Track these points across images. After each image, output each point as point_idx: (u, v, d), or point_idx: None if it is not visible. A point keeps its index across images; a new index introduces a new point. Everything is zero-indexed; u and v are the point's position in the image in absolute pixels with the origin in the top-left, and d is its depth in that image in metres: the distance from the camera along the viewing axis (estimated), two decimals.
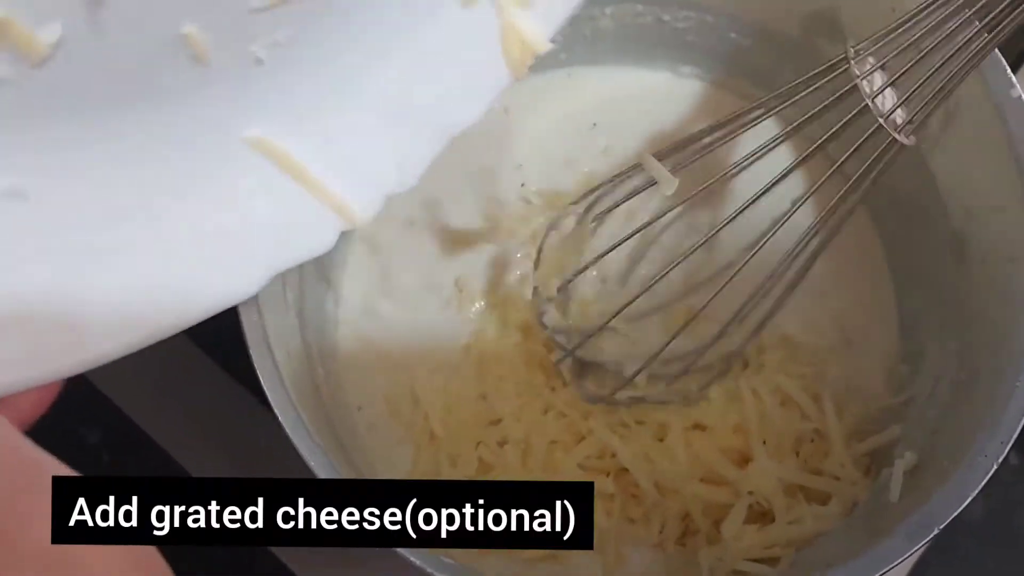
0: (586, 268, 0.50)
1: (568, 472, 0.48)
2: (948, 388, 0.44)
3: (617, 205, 0.49)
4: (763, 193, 0.44)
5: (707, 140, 0.46)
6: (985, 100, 0.42)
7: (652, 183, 0.45)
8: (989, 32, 0.37)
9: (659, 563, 0.47)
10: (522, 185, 0.55)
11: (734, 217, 0.44)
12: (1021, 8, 0.36)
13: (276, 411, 0.37)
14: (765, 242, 0.44)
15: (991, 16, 0.37)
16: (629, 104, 0.57)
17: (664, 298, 0.51)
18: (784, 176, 0.44)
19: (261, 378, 0.37)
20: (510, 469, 0.48)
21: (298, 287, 0.46)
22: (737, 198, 0.47)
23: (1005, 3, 0.36)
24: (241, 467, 0.55)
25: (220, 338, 0.57)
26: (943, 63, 0.38)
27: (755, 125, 0.44)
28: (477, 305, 0.54)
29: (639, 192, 0.47)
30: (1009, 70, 0.41)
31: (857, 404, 0.49)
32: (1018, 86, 0.41)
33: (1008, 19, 0.36)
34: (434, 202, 0.55)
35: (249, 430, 0.56)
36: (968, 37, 0.37)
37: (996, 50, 0.40)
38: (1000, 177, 0.41)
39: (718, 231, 0.45)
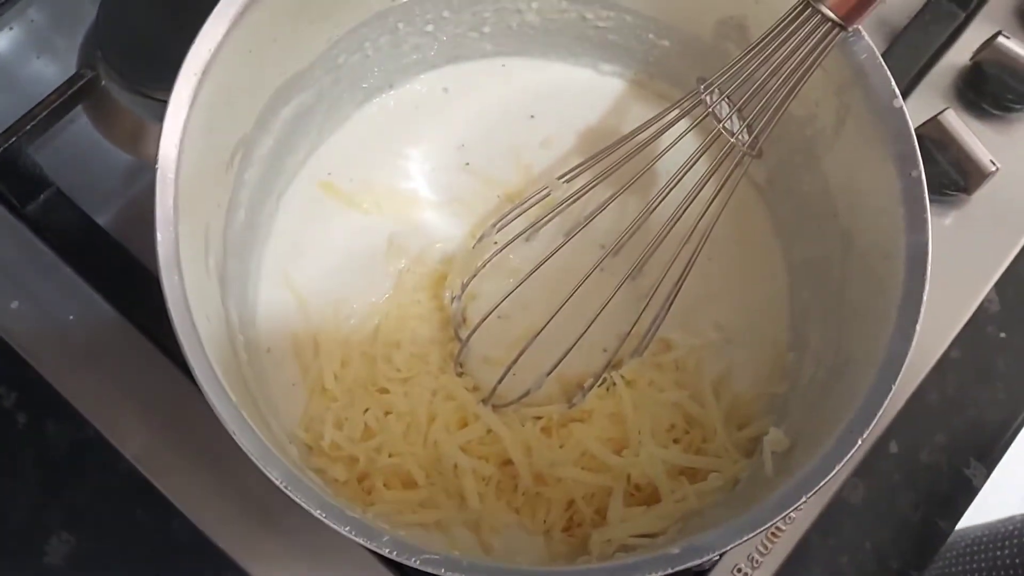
0: (482, 267, 0.53)
1: (449, 453, 0.50)
2: (825, 373, 0.48)
3: (524, 231, 0.53)
4: (650, 211, 0.49)
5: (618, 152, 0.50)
6: (870, 108, 0.45)
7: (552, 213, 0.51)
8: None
9: (544, 549, 0.49)
10: (467, 164, 0.58)
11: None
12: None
13: (191, 366, 0.38)
14: (647, 257, 0.49)
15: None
16: (561, 99, 0.60)
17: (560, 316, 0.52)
18: (662, 198, 0.49)
19: (178, 335, 0.38)
20: (393, 440, 0.50)
21: (221, 250, 0.48)
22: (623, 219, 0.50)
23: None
24: (156, 430, 0.56)
25: (140, 302, 0.59)
26: (773, 92, 0.44)
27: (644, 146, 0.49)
28: (402, 263, 0.56)
29: (542, 222, 0.52)
30: (892, 81, 0.44)
31: (742, 394, 0.53)
32: (899, 97, 0.44)
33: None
34: (377, 163, 0.57)
35: (168, 395, 0.57)
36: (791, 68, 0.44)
37: (882, 62, 0.44)
38: (880, 180, 0.45)
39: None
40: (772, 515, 0.38)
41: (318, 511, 0.36)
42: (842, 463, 0.39)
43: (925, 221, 0.42)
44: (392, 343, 0.53)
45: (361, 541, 0.36)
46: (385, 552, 0.36)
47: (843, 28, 0.43)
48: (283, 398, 0.52)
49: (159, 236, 0.38)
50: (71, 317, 0.59)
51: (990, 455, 0.62)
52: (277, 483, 0.36)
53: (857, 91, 0.45)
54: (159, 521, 0.56)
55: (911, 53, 0.64)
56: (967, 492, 0.61)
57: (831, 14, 0.42)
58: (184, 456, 0.56)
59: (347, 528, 0.36)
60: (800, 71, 0.44)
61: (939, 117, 0.60)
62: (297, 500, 0.36)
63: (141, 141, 0.64)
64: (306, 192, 0.57)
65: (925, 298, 0.41)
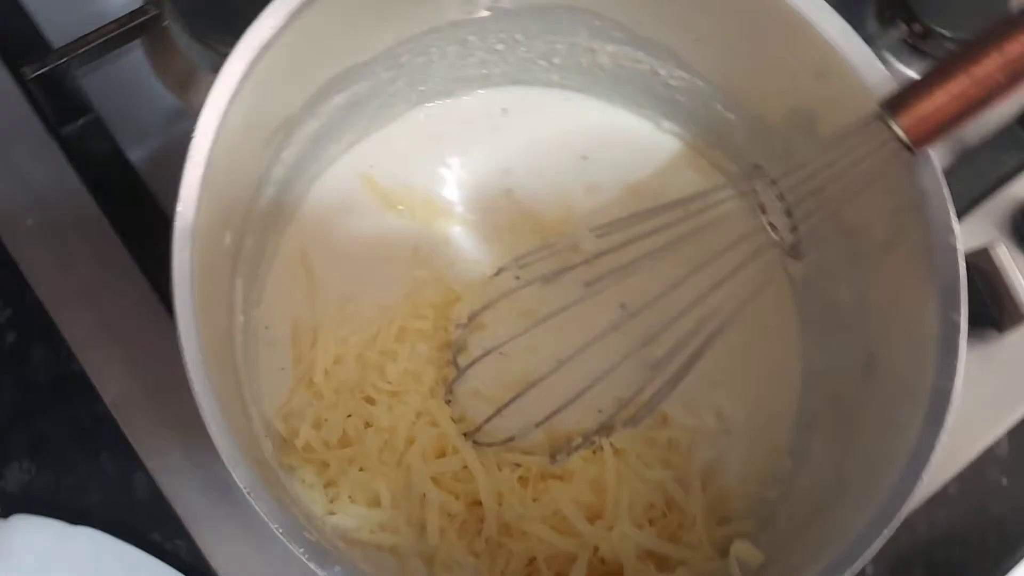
0: (495, 301, 0.51)
1: (420, 481, 0.48)
2: (820, 492, 0.46)
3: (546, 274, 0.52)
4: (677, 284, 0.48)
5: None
6: (924, 237, 0.43)
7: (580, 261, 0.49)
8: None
9: None
10: (508, 190, 0.57)
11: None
12: None
13: (182, 349, 0.37)
14: (664, 328, 0.47)
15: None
16: (615, 146, 0.58)
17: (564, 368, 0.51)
18: (693, 272, 0.48)
19: (176, 312, 0.37)
20: (367, 454, 0.49)
21: (241, 226, 0.46)
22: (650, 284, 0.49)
23: None
24: (140, 382, 0.56)
25: (152, 248, 0.57)
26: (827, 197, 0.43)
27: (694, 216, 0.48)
28: (420, 274, 0.54)
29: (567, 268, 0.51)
30: (953, 217, 0.43)
31: (730, 488, 0.51)
32: (958, 235, 0.43)
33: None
34: (420, 168, 0.56)
35: (159, 351, 0.56)
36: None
37: (946, 193, 0.43)
38: (919, 314, 0.43)
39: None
40: None
41: (276, 526, 0.35)
42: None
43: (955, 370, 0.41)
44: (389, 353, 0.52)
45: (312, 565, 0.35)
46: None
47: (911, 151, 0.41)
48: (269, 382, 0.51)
49: (179, 208, 0.37)
50: (82, 247, 0.59)
51: None
52: (242, 488, 0.35)
53: (914, 216, 0.43)
54: (122, 471, 0.55)
55: (975, 177, 0.63)
56: None
57: (902, 135, 0.41)
58: (161, 415, 0.56)
59: (301, 550, 0.35)
60: (860, 182, 0.43)
61: (990, 249, 0.58)
62: (258, 510, 0.35)
63: (190, 87, 0.63)
64: (343, 181, 0.56)
65: (938, 448, 0.40)
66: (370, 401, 0.51)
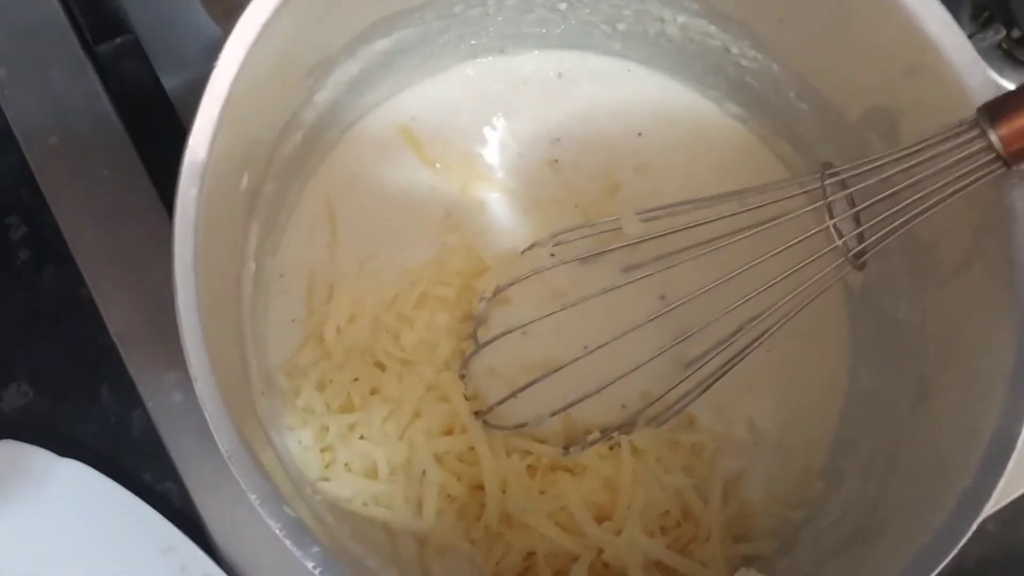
0: (524, 277, 0.48)
1: (422, 458, 0.45)
2: (851, 526, 0.43)
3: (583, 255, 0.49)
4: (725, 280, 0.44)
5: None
6: (1006, 262, 0.39)
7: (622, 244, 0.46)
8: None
9: None
10: (555, 161, 0.53)
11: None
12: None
13: (175, 291, 0.34)
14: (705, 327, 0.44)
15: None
16: (674, 125, 0.54)
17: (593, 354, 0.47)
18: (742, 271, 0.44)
19: (174, 255, 0.34)
20: (370, 422, 0.46)
21: (263, 170, 0.43)
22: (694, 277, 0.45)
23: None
24: (148, 318, 0.53)
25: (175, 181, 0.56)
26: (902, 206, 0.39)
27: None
28: (451, 238, 0.51)
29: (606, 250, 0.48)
30: None
31: (752, 504, 0.48)
32: None
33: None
34: (464, 126, 0.53)
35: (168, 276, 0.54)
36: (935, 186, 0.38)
37: None
38: (989, 344, 0.39)
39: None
40: None
41: (254, 497, 0.32)
42: None
43: None
44: (406, 319, 0.49)
45: (289, 543, 0.32)
46: (310, 565, 0.32)
47: (1007, 166, 0.37)
48: (277, 334, 0.49)
49: (191, 142, 0.34)
50: (105, 172, 0.56)
51: None
52: (222, 450, 0.33)
53: (998, 237, 0.39)
54: (120, 407, 0.54)
55: None
56: None
57: (999, 145, 0.36)
58: (166, 354, 0.54)
59: (279, 525, 0.32)
60: (941, 194, 0.39)
61: None
62: (237, 476, 0.32)
63: (234, 17, 0.60)
64: (380, 130, 0.53)
65: (995, 496, 0.36)
66: (380, 367, 0.48)
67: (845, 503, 0.45)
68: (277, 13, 0.37)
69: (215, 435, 0.33)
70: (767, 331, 0.44)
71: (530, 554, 0.46)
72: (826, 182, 0.41)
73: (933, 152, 0.38)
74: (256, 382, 0.43)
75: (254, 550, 0.51)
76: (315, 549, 0.32)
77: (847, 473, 0.47)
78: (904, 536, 0.38)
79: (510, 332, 0.48)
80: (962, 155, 0.37)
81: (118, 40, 0.58)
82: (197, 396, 0.33)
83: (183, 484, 0.52)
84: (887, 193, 0.39)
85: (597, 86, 0.54)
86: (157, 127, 0.58)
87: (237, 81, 0.36)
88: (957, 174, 0.38)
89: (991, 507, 0.53)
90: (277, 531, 0.32)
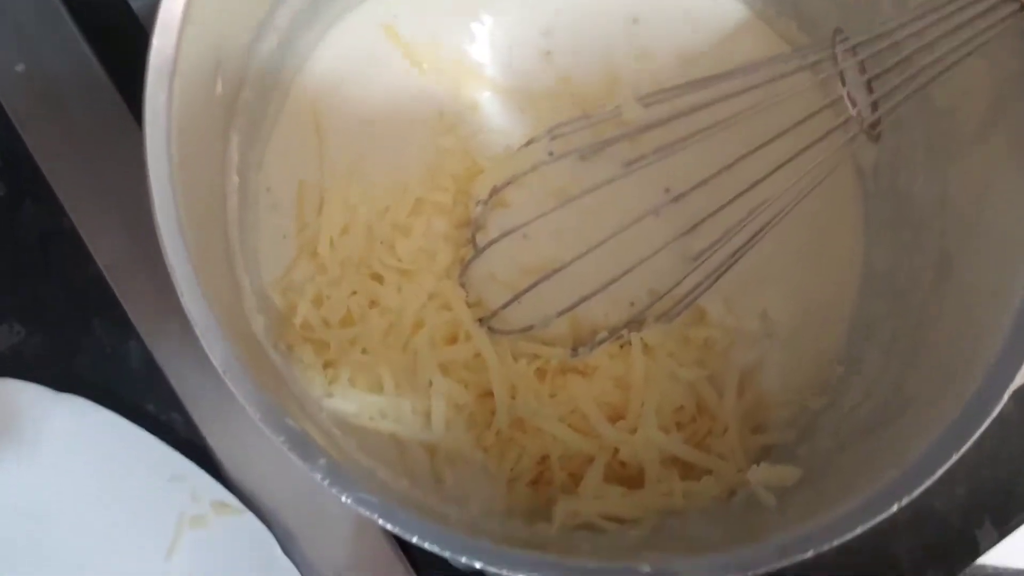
0: (522, 175, 0.46)
1: (427, 368, 0.44)
2: (873, 408, 0.41)
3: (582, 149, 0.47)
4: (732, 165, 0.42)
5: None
6: None
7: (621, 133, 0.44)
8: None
9: (503, 498, 0.44)
10: (548, 53, 0.51)
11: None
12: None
13: (153, 208, 0.32)
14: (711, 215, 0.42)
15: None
16: (672, 9, 0.51)
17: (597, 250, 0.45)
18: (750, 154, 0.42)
19: (147, 164, 0.32)
20: (371, 335, 0.44)
21: (237, 76, 0.41)
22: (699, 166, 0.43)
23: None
24: (134, 243, 0.52)
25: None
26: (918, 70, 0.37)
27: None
28: (445, 141, 0.49)
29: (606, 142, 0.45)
30: None
31: (769, 395, 0.46)
32: None
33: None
34: (450, 23, 0.51)
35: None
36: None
37: None
38: (1015, 209, 0.37)
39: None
40: (766, 561, 0.33)
41: (254, 410, 0.31)
42: (868, 525, 0.33)
43: None
44: (402, 228, 0.47)
45: (295, 457, 0.31)
46: (317, 477, 0.31)
47: None
48: (268, 250, 0.47)
49: (155, 42, 0.32)
50: (77, 99, 0.54)
51: (1007, 523, 0.56)
52: (217, 366, 0.31)
53: (1021, 101, 0.37)
54: (115, 338, 0.52)
55: None
56: (969, 553, 0.56)
57: None
58: (158, 281, 0.51)
59: (282, 438, 0.31)
60: (960, 53, 0.36)
61: None
62: (234, 391, 0.31)
63: None
64: (362, 31, 0.50)
65: None
66: (377, 279, 0.46)
67: (867, 386, 0.44)
68: None
69: (207, 350, 0.31)
70: (776, 216, 0.42)
71: (544, 458, 0.45)
72: (837, 48, 0.39)
73: (950, 7, 0.35)
74: (250, 301, 0.41)
75: (263, 474, 0.51)
76: (322, 461, 0.31)
77: (867, 356, 0.45)
78: (931, 412, 0.36)
79: (510, 234, 0.46)
80: (981, 7, 0.35)
81: None
82: (184, 308, 0.31)
83: (187, 412, 0.51)
84: (902, 57, 0.37)
85: None
86: (126, 48, 0.54)
87: None
88: (976, 31, 0.35)
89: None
90: (280, 444, 0.30)
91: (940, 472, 0.34)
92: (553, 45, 0.51)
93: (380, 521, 0.31)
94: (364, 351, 0.44)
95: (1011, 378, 0.34)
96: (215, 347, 0.31)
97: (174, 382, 0.51)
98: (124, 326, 0.52)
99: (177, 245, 0.31)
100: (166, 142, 0.32)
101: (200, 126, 0.36)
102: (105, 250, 0.52)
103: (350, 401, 0.43)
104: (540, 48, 0.51)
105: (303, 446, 0.31)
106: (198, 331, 0.32)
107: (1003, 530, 0.56)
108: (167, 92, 0.32)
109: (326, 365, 0.44)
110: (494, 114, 0.50)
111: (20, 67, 0.54)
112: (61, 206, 0.53)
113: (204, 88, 0.37)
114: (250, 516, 0.49)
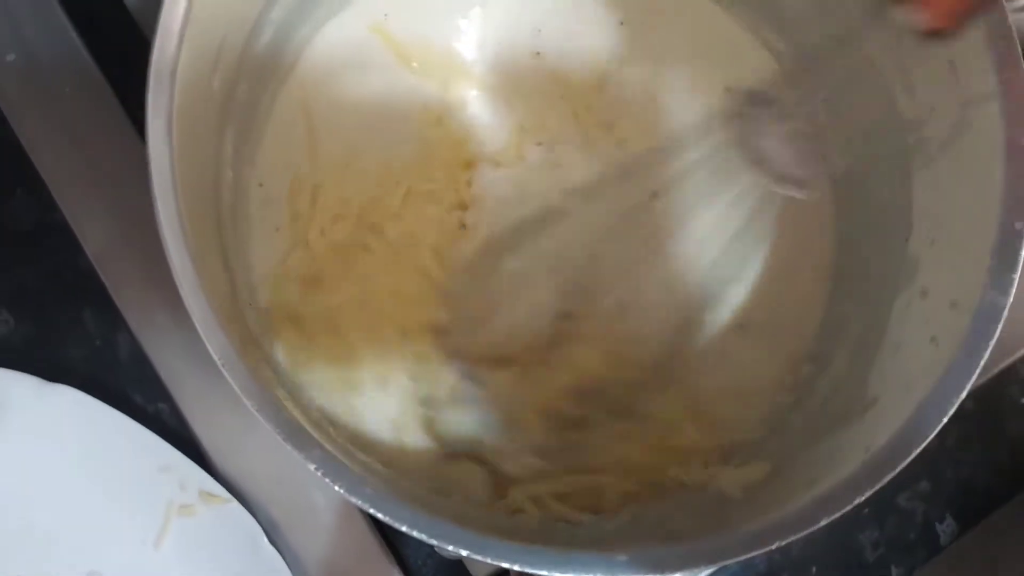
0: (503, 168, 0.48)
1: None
2: (840, 404, 0.43)
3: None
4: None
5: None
6: (995, 136, 0.38)
7: None
8: None
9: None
10: (537, 53, 0.52)
11: None
12: None
13: (155, 204, 0.33)
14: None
15: None
16: (659, 15, 0.52)
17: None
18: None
19: (150, 164, 0.33)
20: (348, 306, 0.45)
21: (234, 70, 0.42)
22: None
23: None
24: (124, 236, 0.53)
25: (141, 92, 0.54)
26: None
27: None
28: (430, 133, 0.50)
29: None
30: None
31: (740, 390, 0.48)
32: None
33: None
34: (440, 21, 0.52)
35: (145, 204, 0.53)
36: None
37: None
38: (974, 220, 0.39)
39: None
40: (735, 551, 0.34)
41: (252, 403, 0.32)
42: (832, 516, 0.35)
43: (1012, 283, 0.37)
44: (393, 214, 0.48)
45: (290, 447, 0.32)
46: (311, 468, 0.32)
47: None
48: (261, 244, 0.48)
49: (157, 42, 0.33)
50: (67, 89, 0.55)
51: (968, 517, 0.59)
52: (214, 357, 0.32)
53: (990, 109, 0.38)
54: (104, 329, 0.53)
55: None
56: (932, 547, 0.58)
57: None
58: (146, 272, 0.53)
59: (278, 430, 0.32)
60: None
61: None
62: (232, 383, 0.32)
63: None
64: (352, 29, 0.51)
65: (981, 366, 0.36)
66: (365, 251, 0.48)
67: (834, 386, 0.46)
68: None
69: (206, 342, 0.32)
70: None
71: None
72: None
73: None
74: (243, 294, 0.42)
75: (249, 463, 0.52)
76: (316, 452, 0.32)
77: (835, 355, 0.47)
78: (893, 411, 0.38)
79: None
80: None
81: None
82: (185, 307, 0.32)
83: (175, 403, 0.52)
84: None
85: None
86: (118, 42, 0.56)
87: None
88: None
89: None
90: (277, 436, 0.32)
91: (900, 467, 0.36)
92: (542, 45, 0.52)
93: (372, 511, 0.32)
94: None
95: (964, 386, 0.36)
96: (214, 340, 0.32)
97: (162, 373, 0.52)
98: (114, 318, 0.52)
99: (178, 239, 0.32)
100: (167, 140, 0.33)
101: (198, 123, 0.37)
102: (95, 242, 0.53)
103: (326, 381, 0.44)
104: (530, 47, 0.52)
105: (298, 437, 0.32)
106: (197, 324, 0.32)
107: (963, 524, 0.58)
108: (168, 92, 0.33)
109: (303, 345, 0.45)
110: (483, 111, 0.52)
111: (11, 57, 0.54)
112: (51, 197, 0.53)
113: (202, 86, 0.38)
114: (236, 505, 0.50)
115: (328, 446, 0.33)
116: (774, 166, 0.40)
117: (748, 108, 0.40)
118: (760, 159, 0.40)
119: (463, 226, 0.49)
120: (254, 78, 0.45)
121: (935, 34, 0.35)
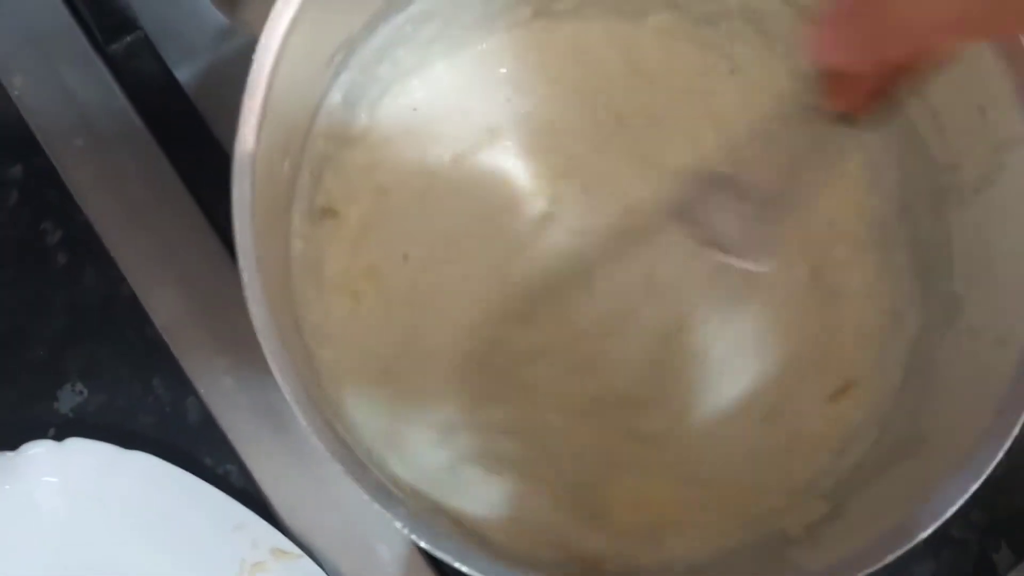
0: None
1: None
2: (891, 444, 0.44)
3: None
4: None
5: None
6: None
7: None
8: None
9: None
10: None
11: None
12: None
13: (244, 287, 0.35)
14: None
15: None
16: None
17: None
18: None
19: (238, 249, 0.35)
20: None
21: (299, 153, 0.45)
22: None
23: None
24: (190, 306, 0.55)
25: (201, 172, 0.57)
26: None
27: None
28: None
29: None
30: None
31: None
32: None
33: None
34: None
35: (209, 274, 0.56)
36: None
37: None
38: (1017, 257, 0.40)
39: None
40: None
41: (341, 466, 0.34)
42: (895, 554, 0.36)
43: None
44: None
45: (378, 506, 0.34)
46: (398, 525, 0.34)
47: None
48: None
49: (240, 134, 0.35)
50: (131, 168, 0.58)
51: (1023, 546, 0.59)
52: (306, 427, 0.34)
53: (1022, 152, 0.40)
54: (174, 395, 0.55)
55: None
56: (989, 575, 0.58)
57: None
58: (212, 339, 0.55)
59: (367, 490, 0.34)
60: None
61: None
62: (323, 447, 0.34)
63: (239, 5, 0.60)
64: (399, 109, 0.53)
65: None
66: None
67: (884, 423, 0.47)
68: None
69: (298, 414, 0.34)
70: None
71: None
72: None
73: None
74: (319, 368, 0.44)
75: (315, 518, 0.53)
76: (401, 509, 0.34)
77: (883, 397, 0.48)
78: (947, 448, 0.40)
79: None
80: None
81: (128, 38, 0.59)
82: (278, 382, 0.34)
83: (242, 462, 0.54)
84: None
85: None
86: (175, 118, 0.59)
87: (274, 72, 0.37)
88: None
89: None
90: (367, 494, 0.33)
91: (960, 503, 0.37)
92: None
93: (457, 564, 0.34)
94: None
95: (1016, 422, 0.37)
96: (305, 411, 0.34)
97: (230, 435, 0.54)
98: (182, 384, 0.55)
99: (266, 323, 0.34)
100: (251, 226, 0.35)
101: (272, 203, 0.40)
102: (162, 313, 0.55)
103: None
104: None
105: (384, 496, 0.34)
106: (288, 397, 0.33)
107: (1020, 553, 0.59)
108: (250, 179, 0.35)
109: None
110: (520, 175, 0.54)
111: (79, 141, 0.57)
112: (120, 272, 0.56)
113: (276, 171, 0.40)
114: (307, 560, 0.52)
115: (411, 503, 0.35)
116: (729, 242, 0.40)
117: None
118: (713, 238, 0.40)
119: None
120: (313, 161, 0.47)
121: (845, 120, 0.34)
